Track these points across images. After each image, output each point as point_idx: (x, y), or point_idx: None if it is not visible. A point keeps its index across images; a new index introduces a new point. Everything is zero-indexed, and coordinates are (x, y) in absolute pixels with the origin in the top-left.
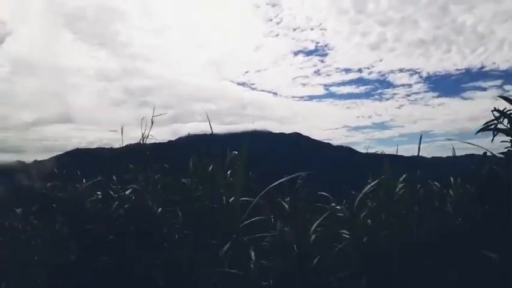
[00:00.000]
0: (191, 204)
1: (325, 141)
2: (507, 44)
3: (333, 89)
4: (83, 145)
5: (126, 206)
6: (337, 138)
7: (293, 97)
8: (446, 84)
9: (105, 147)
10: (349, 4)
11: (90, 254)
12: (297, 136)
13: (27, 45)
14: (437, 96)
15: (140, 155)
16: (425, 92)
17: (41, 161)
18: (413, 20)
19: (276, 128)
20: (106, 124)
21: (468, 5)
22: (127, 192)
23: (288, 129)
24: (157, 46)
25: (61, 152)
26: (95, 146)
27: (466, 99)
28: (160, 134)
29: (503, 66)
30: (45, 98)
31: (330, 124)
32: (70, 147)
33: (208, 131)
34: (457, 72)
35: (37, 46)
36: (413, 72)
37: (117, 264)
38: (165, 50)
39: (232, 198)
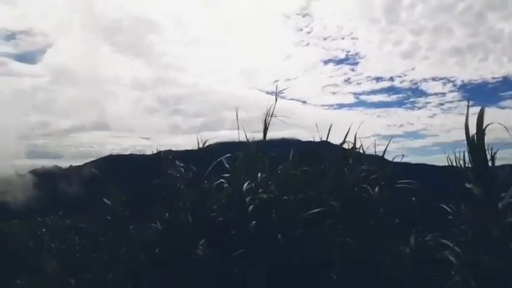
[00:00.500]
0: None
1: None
2: None
3: (363, 97)
4: (116, 151)
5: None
6: (367, 147)
7: (322, 105)
8: (483, 93)
9: (138, 153)
10: (380, 13)
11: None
12: (325, 144)
13: (67, 56)
14: (472, 105)
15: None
16: (459, 100)
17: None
18: (448, 28)
19: (304, 136)
20: (139, 131)
21: (506, 12)
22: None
23: (316, 136)
24: (190, 56)
25: (94, 158)
26: (128, 153)
27: (504, 108)
28: (191, 142)
29: None
30: (82, 106)
31: (359, 133)
32: (104, 153)
33: (237, 139)
34: (494, 80)
35: (76, 57)
36: (447, 80)
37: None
38: (197, 60)
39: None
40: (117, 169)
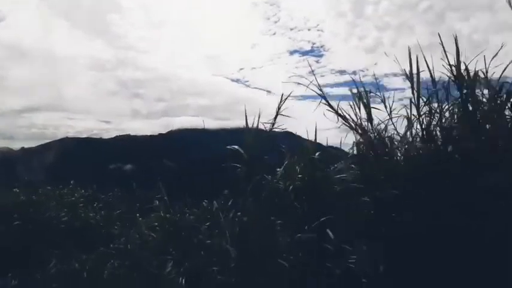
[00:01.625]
0: None
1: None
2: (502, 53)
3: (327, 89)
4: (72, 134)
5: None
6: (329, 139)
7: (289, 96)
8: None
9: (94, 137)
10: (347, 7)
11: None
12: (287, 135)
13: (20, 32)
14: (429, 103)
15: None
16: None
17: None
18: (410, 26)
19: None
20: (97, 114)
21: (464, 13)
22: None
23: (279, 127)
24: (153, 40)
25: (49, 140)
26: (84, 136)
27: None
28: (152, 127)
29: (498, 75)
30: (36, 85)
31: (322, 125)
32: (59, 135)
33: (200, 126)
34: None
35: (30, 33)
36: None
37: None
38: (160, 44)
39: None
40: (72, 152)
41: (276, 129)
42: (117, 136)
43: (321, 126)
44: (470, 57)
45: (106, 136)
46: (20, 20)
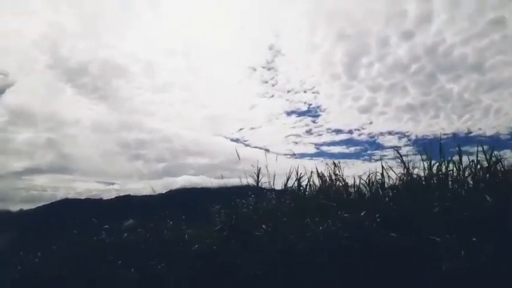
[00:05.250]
0: None
1: None
2: (492, 111)
3: (324, 148)
4: (71, 196)
5: None
6: None
7: (285, 154)
8: (434, 148)
9: (94, 198)
10: (341, 70)
11: None
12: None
13: (27, 97)
14: (426, 159)
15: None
16: (414, 154)
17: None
18: (403, 87)
19: (267, 183)
20: (97, 176)
21: (455, 74)
22: None
23: (278, 183)
24: (157, 102)
25: (47, 202)
26: (83, 197)
27: (454, 162)
28: (154, 187)
29: (489, 132)
30: (38, 148)
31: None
32: (58, 197)
33: (200, 185)
34: (445, 136)
35: (36, 98)
36: (402, 135)
37: None
38: (163, 106)
39: None
40: (71, 213)
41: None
42: (117, 196)
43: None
44: (462, 115)
45: (106, 196)
46: (28, 86)
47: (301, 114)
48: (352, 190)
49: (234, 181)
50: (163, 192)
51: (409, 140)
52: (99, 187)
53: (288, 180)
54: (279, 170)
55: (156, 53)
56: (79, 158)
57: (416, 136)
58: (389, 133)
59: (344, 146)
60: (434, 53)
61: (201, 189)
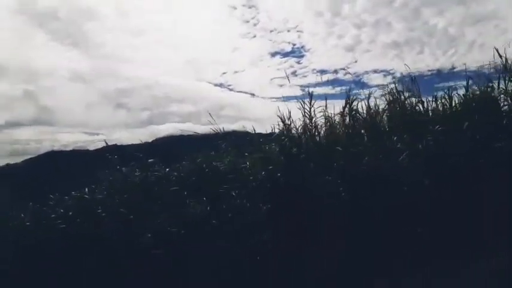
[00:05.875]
0: None
1: None
2: (476, 46)
3: (310, 89)
4: (57, 148)
5: None
6: None
7: (270, 98)
8: (420, 85)
9: (80, 149)
10: (324, 7)
11: None
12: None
13: None
14: (410, 96)
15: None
16: (398, 91)
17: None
18: (387, 23)
19: (255, 128)
20: (81, 126)
21: (439, 7)
22: None
23: (266, 129)
24: (132, 47)
25: (33, 156)
26: (69, 149)
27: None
28: (138, 136)
29: (473, 67)
30: (16, 100)
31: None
32: (42, 150)
33: (187, 132)
34: (430, 73)
35: (6, 47)
36: (387, 73)
37: None
38: (140, 51)
39: None
40: (59, 166)
41: None
42: (103, 147)
43: None
44: (447, 51)
45: (92, 147)
46: None
47: (285, 55)
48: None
49: (219, 127)
50: (150, 140)
51: (394, 77)
52: (84, 138)
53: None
54: (268, 114)
55: None
56: (60, 109)
57: (401, 73)
58: (375, 71)
59: (330, 87)
60: None
61: (187, 136)
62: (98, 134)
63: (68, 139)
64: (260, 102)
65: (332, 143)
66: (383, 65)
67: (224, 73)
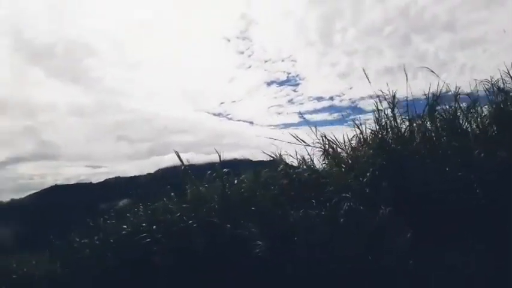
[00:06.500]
0: None
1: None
2: (467, 69)
3: (307, 116)
4: (60, 182)
5: None
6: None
7: (269, 125)
8: (415, 108)
9: (84, 182)
10: (316, 37)
11: None
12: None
13: None
14: (407, 120)
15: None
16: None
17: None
18: (379, 50)
19: (254, 155)
20: (84, 160)
21: (428, 34)
22: None
23: (266, 156)
24: (131, 80)
25: (36, 190)
26: (73, 182)
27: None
28: (141, 168)
29: (467, 89)
30: (17, 136)
31: (305, 151)
32: (47, 184)
33: (189, 162)
34: (424, 97)
35: (5, 84)
36: (382, 98)
37: None
38: (138, 84)
39: None
40: (64, 199)
41: None
42: (106, 179)
43: (303, 152)
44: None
45: (95, 180)
46: None
47: (281, 83)
48: None
49: (223, 156)
50: (152, 171)
51: (389, 102)
52: (87, 171)
53: None
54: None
55: (124, 28)
56: (61, 143)
57: (397, 98)
58: (370, 97)
59: (327, 113)
60: (407, 14)
61: (190, 166)
62: (100, 167)
63: (71, 172)
64: (259, 131)
65: None
66: (378, 90)
67: (222, 103)
